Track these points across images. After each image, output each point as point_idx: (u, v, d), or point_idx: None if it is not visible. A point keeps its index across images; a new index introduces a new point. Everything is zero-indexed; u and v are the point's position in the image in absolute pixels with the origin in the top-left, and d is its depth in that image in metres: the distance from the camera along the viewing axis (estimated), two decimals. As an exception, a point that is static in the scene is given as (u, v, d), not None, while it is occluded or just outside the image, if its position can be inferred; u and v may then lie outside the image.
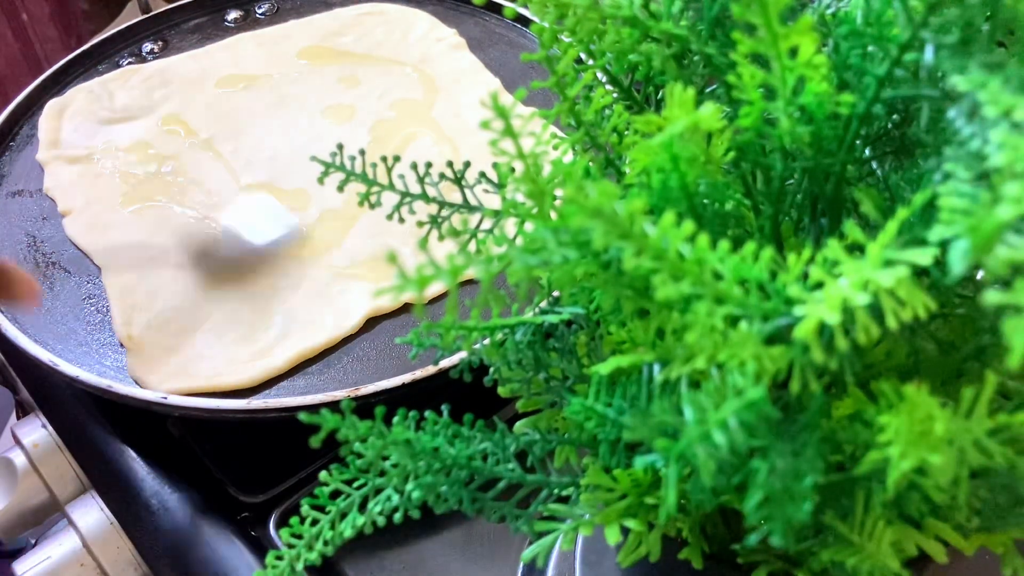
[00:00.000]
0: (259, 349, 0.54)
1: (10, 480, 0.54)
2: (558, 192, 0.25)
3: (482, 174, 0.35)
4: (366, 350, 0.54)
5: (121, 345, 0.54)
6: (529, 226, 0.24)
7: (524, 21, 0.77)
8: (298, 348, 0.54)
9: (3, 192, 0.66)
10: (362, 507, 0.29)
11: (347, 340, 0.55)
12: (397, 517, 0.28)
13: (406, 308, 0.57)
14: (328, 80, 0.74)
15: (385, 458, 0.29)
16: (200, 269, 0.58)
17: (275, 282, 0.58)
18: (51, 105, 0.71)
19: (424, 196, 0.34)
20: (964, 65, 0.22)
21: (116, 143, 0.68)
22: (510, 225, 0.31)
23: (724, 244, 0.22)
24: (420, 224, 0.33)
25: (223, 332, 0.55)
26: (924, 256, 0.20)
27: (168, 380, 0.52)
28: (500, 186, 0.33)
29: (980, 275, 0.25)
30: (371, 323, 0.56)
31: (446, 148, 0.67)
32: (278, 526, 0.51)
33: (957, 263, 0.19)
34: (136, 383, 0.52)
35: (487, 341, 0.32)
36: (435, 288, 0.56)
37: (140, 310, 0.56)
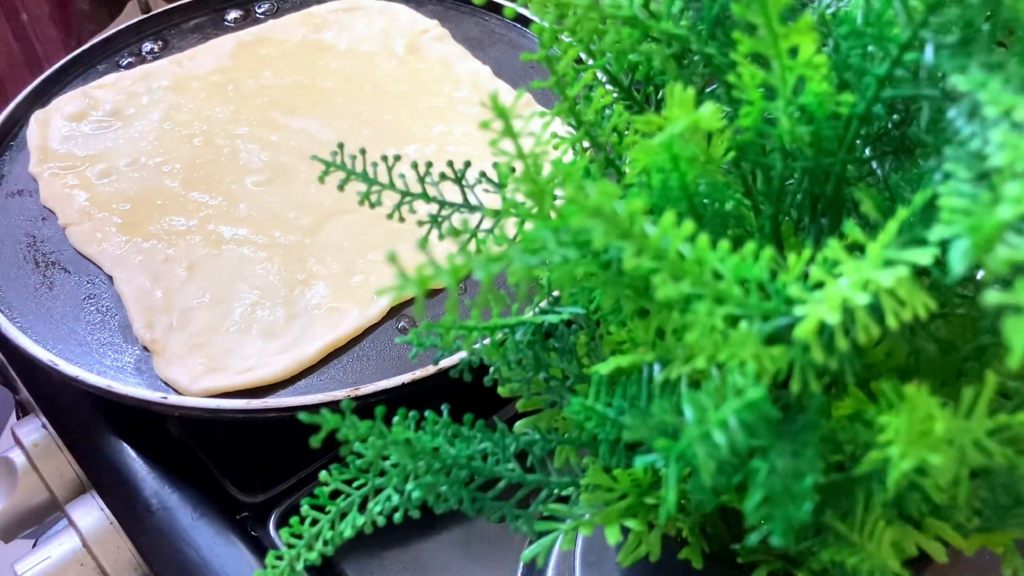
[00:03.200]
0: (287, 342, 0.54)
1: (10, 480, 0.54)
2: (558, 192, 0.25)
3: (482, 174, 0.35)
4: (366, 350, 0.54)
5: (145, 349, 0.54)
6: (529, 226, 0.24)
7: (524, 21, 0.77)
8: (326, 339, 0.54)
9: (3, 192, 0.66)
10: (362, 507, 0.29)
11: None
12: (397, 517, 0.28)
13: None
14: (318, 77, 0.74)
15: (385, 458, 0.29)
16: None
17: (293, 276, 0.58)
18: (36, 116, 0.71)
19: (424, 195, 0.34)
20: (964, 65, 0.22)
21: (108, 152, 0.68)
22: (510, 225, 0.31)
23: (724, 244, 0.22)
24: (420, 223, 0.33)
25: (247, 327, 0.55)
26: (924, 256, 0.20)
27: (200, 379, 0.52)
28: (500, 186, 0.33)
29: (980, 275, 0.25)
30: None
31: (443, 140, 0.67)
32: (278, 526, 0.51)
33: (957, 263, 0.19)
34: (167, 385, 0.52)
35: (487, 341, 0.32)
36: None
37: (160, 312, 0.56)
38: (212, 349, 0.54)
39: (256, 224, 0.61)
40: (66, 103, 0.72)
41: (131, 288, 0.57)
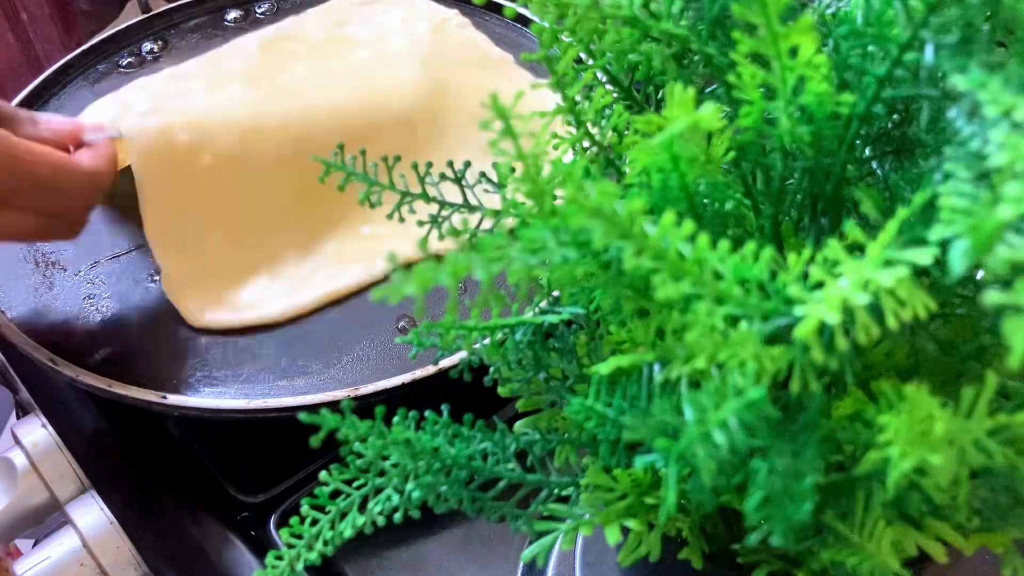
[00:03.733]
0: (291, 285, 0.55)
1: (10, 480, 0.54)
2: (558, 192, 0.25)
3: (482, 174, 0.35)
4: (366, 350, 0.54)
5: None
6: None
7: (524, 21, 0.77)
8: (326, 288, 0.55)
9: (3, 192, 0.66)
10: (362, 507, 0.29)
11: (348, 336, 0.55)
12: (397, 517, 0.29)
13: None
14: (347, 70, 0.73)
15: (385, 458, 0.29)
16: None
17: (311, 224, 0.59)
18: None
19: (424, 196, 0.34)
20: (964, 65, 0.22)
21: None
22: (510, 225, 0.31)
23: (724, 244, 0.22)
24: (420, 224, 0.33)
25: (258, 264, 0.56)
26: (924, 256, 0.20)
27: (204, 308, 0.54)
28: (500, 186, 0.33)
29: (980, 275, 0.25)
30: (371, 322, 0.56)
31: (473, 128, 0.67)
32: (278, 526, 0.51)
33: (957, 263, 0.19)
34: (173, 304, 0.55)
35: (487, 341, 0.32)
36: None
37: (175, 219, 0.57)
38: (220, 278, 0.55)
39: (277, 168, 0.61)
40: (99, 110, 0.71)
41: (155, 220, 0.57)
